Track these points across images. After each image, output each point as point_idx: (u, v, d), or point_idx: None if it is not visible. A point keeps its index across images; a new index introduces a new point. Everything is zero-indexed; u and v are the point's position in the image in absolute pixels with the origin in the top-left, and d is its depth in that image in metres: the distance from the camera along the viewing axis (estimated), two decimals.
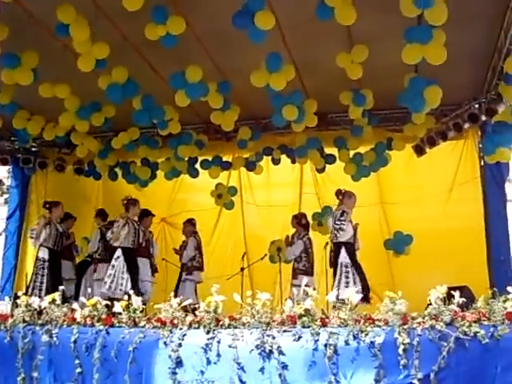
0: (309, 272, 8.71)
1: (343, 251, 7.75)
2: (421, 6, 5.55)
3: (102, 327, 4.94)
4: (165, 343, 4.72)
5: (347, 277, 7.63)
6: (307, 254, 8.88)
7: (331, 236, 7.97)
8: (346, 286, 7.46)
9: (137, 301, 5.05)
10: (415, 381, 4.23)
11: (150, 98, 7.66)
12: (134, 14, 5.79)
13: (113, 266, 8.04)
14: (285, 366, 4.41)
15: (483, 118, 8.28)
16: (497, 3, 6.49)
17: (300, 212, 9.41)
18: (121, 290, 7.78)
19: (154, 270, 8.90)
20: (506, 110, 7.78)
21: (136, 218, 8.42)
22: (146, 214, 8.89)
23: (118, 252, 8.11)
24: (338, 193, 8.20)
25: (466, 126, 8.54)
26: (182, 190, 10.40)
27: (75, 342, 4.97)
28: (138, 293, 7.41)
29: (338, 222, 7.78)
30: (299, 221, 9.14)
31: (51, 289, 7.41)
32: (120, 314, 4.99)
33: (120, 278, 7.95)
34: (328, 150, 9.36)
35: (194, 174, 9.69)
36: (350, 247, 7.82)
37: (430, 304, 4.50)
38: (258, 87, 6.96)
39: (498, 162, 8.35)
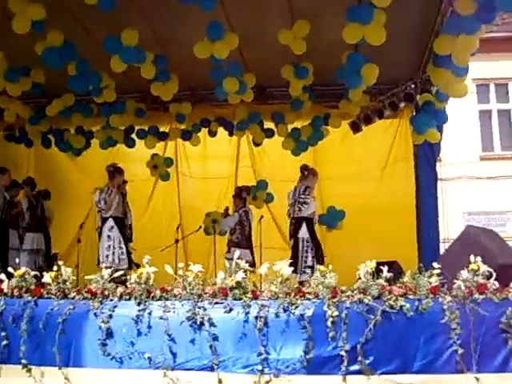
0: (242, 245, 8.76)
1: (304, 226, 7.90)
2: None
3: (30, 298, 4.81)
4: (95, 314, 4.65)
5: (307, 251, 7.76)
6: (242, 226, 8.94)
7: (291, 210, 8.08)
8: (305, 261, 7.62)
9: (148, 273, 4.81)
10: (343, 352, 4.33)
11: (85, 64, 7.42)
12: None
13: (109, 237, 7.75)
14: (215, 338, 4.43)
15: (418, 97, 8.47)
16: None
17: (245, 185, 9.43)
18: (123, 259, 7.64)
19: (130, 238, 8.66)
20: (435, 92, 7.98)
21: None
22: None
23: (111, 222, 7.82)
24: (304, 168, 8.25)
25: (402, 105, 8.74)
26: (117, 159, 10.07)
27: (1, 313, 4.80)
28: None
29: (303, 196, 7.90)
30: (239, 193, 9.18)
31: None
32: (49, 284, 4.88)
33: (119, 248, 7.73)
34: (266, 125, 9.37)
35: (131, 143, 9.52)
36: (310, 222, 7.94)
37: (360, 278, 4.60)
38: (197, 58, 6.86)
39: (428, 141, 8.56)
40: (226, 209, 9.26)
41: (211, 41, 6.70)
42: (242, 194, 9.18)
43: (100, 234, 7.96)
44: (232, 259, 4.68)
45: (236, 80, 7.35)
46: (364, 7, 6.06)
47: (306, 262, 7.75)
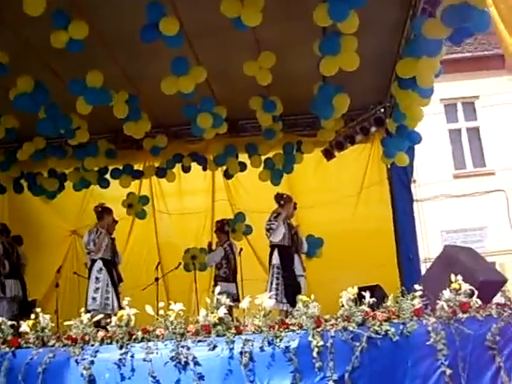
0: (229, 279, 8.72)
1: (275, 253, 7.81)
2: (336, 19, 5.69)
3: (7, 349, 4.67)
4: (76, 361, 4.52)
5: (278, 278, 7.68)
6: (228, 260, 8.89)
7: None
8: (277, 288, 7.53)
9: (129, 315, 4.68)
10: (331, 382, 4.27)
11: (54, 106, 7.38)
12: (37, 19, 5.58)
13: (97, 279, 7.55)
14: (201, 377, 4.34)
15: (388, 121, 8.57)
16: (397, 12, 6.76)
17: (224, 218, 9.38)
18: (108, 304, 7.46)
19: (119, 279, 8.37)
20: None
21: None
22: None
23: (99, 264, 7.63)
24: (279, 198, 8.15)
25: (373, 129, 8.80)
26: (93, 200, 10.07)
27: None
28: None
29: (269, 222, 7.84)
30: (221, 227, 9.13)
31: None
32: (27, 333, 4.75)
33: (105, 292, 7.54)
34: (240, 157, 9.40)
35: (105, 184, 9.44)
36: (283, 249, 7.86)
37: (343, 306, 4.57)
38: (167, 94, 6.87)
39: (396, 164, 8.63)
40: (210, 244, 9.21)
41: (176, 76, 6.72)
42: (224, 228, 9.14)
43: (89, 276, 7.78)
44: (221, 294, 4.62)
45: (209, 115, 7.37)
46: (333, 37, 6.13)
47: (277, 288, 7.64)
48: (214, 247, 9.16)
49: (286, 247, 7.91)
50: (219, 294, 4.57)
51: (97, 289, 7.53)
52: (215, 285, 8.58)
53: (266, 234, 7.91)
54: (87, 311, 6.57)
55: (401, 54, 7.24)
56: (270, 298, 4.57)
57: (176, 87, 6.78)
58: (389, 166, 9.09)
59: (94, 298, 7.49)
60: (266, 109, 7.84)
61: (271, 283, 7.65)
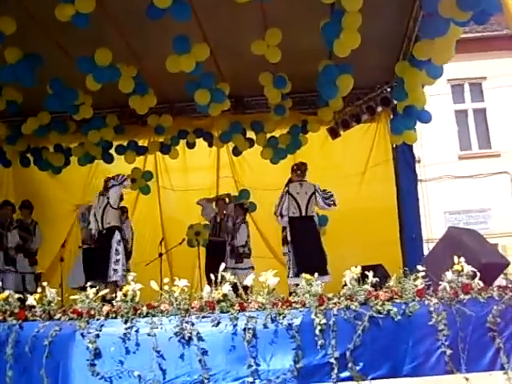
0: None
1: None
2: None
3: (14, 322, 4.74)
4: (82, 335, 4.58)
5: None
6: (249, 237, 8.98)
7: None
8: None
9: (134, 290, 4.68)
10: (332, 359, 4.33)
11: (59, 82, 7.38)
12: None
13: (117, 251, 7.42)
14: (205, 352, 4.40)
15: (394, 101, 8.54)
16: None
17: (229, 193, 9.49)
18: (125, 276, 7.14)
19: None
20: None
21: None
22: None
23: (118, 235, 7.52)
24: (302, 166, 8.02)
25: (379, 109, 8.80)
26: (98, 175, 10.10)
27: None
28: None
29: (328, 192, 7.80)
30: (241, 205, 9.21)
31: None
32: (34, 307, 4.81)
33: (123, 264, 7.43)
34: (248, 134, 9.40)
35: (109, 159, 9.46)
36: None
37: (346, 285, 4.61)
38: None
39: (405, 143, 8.63)
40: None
41: (178, 54, 6.70)
42: (244, 206, 9.21)
43: (101, 246, 7.58)
44: (246, 269, 4.59)
45: (207, 91, 7.34)
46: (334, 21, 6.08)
47: None
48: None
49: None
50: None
51: (117, 260, 7.42)
52: (240, 261, 8.68)
53: (327, 205, 7.84)
54: (107, 283, 6.59)
55: (410, 33, 7.20)
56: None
57: (178, 66, 6.76)
58: (394, 146, 9.08)
59: (115, 270, 7.36)
60: (275, 85, 7.81)
61: None
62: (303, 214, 7.74)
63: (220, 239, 9.00)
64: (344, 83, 6.92)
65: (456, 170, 15.12)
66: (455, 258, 4.70)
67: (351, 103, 8.80)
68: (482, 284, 4.63)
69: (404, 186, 9.04)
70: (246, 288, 4.69)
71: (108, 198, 7.60)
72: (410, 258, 8.02)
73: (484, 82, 15.76)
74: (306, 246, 7.61)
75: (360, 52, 6.41)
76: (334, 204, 7.81)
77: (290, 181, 7.92)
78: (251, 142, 9.37)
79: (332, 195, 7.82)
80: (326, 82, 6.97)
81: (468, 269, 4.66)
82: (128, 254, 8.26)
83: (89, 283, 5.02)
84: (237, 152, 9.61)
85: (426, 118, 8.08)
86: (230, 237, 8.91)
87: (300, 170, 7.94)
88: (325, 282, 5.97)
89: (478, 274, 4.65)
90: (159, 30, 6.67)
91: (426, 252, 8.33)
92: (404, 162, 9.05)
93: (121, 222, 7.89)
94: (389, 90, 8.71)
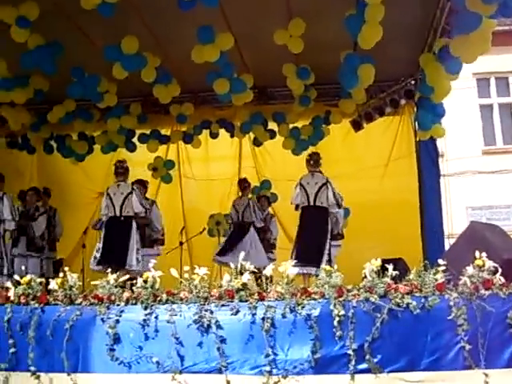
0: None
1: None
2: None
3: (36, 305, 4.82)
4: (102, 320, 4.65)
5: None
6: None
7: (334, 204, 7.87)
8: None
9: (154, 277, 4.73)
10: (350, 351, 4.32)
11: (82, 70, 7.44)
12: None
13: (137, 241, 7.42)
14: (223, 340, 4.43)
15: (418, 94, 8.46)
16: None
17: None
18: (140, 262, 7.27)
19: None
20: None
21: None
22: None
23: (135, 224, 7.45)
24: (314, 155, 7.98)
25: (403, 102, 8.72)
26: None
27: (8, 321, 4.82)
28: None
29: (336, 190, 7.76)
30: (267, 198, 9.26)
31: None
32: (55, 291, 4.89)
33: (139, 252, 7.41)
34: (269, 125, 9.38)
35: (131, 147, 9.53)
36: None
37: (366, 277, 4.60)
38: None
39: (432, 137, 8.56)
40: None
41: (202, 44, 6.71)
42: (268, 198, 9.25)
43: (121, 234, 7.49)
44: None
45: (226, 81, 7.33)
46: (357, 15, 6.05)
47: None
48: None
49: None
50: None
51: (138, 249, 7.42)
52: (270, 251, 8.79)
53: (338, 201, 7.81)
54: (127, 272, 6.59)
55: (436, 26, 7.11)
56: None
57: (202, 56, 6.77)
58: (417, 139, 9.01)
59: (138, 260, 7.35)
60: (299, 76, 7.79)
61: None
62: (311, 203, 7.68)
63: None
64: (365, 73, 6.84)
65: (479, 165, 14.92)
66: (477, 253, 4.66)
67: (375, 95, 8.75)
68: (503, 280, 4.57)
69: (426, 181, 8.96)
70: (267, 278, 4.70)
71: (133, 189, 7.59)
72: (431, 253, 7.94)
73: (511, 76, 15.53)
74: (305, 236, 7.61)
75: (384, 44, 6.34)
76: (340, 206, 7.82)
77: None
78: (272, 133, 9.36)
79: (343, 199, 7.81)
80: (348, 71, 6.92)
81: (489, 264, 4.60)
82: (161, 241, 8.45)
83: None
84: (257, 142, 9.61)
85: (439, 111, 7.99)
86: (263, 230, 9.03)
87: (312, 159, 7.91)
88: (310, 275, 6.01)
89: (500, 269, 4.60)
90: (183, 19, 6.68)
91: (447, 248, 8.26)
92: (427, 156, 8.97)
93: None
94: (413, 82, 8.63)
